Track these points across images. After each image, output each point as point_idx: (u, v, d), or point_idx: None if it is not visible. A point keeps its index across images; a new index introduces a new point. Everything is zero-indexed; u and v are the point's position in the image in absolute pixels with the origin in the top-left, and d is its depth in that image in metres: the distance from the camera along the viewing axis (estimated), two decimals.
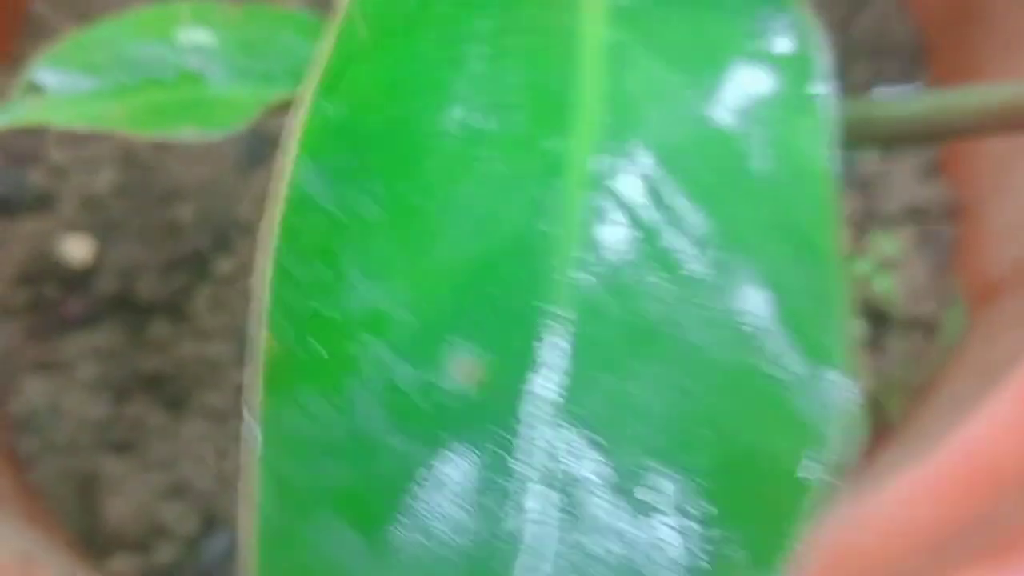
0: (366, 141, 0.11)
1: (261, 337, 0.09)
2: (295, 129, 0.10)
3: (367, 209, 0.10)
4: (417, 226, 0.11)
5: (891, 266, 0.26)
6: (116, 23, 0.20)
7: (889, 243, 0.26)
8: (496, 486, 0.10)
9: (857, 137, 0.17)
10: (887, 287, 0.25)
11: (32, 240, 0.24)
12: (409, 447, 0.09)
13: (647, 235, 0.12)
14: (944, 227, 0.27)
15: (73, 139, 0.25)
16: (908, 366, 0.25)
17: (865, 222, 0.27)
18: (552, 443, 0.10)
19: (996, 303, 0.24)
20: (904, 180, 0.27)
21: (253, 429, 0.09)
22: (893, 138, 0.18)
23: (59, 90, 0.19)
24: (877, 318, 0.26)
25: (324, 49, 0.11)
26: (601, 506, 0.10)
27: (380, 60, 0.12)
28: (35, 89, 0.19)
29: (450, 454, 0.10)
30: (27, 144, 0.25)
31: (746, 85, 0.14)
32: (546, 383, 0.10)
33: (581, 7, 0.15)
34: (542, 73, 0.13)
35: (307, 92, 0.10)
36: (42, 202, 0.25)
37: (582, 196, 0.12)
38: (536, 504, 0.10)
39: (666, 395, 0.11)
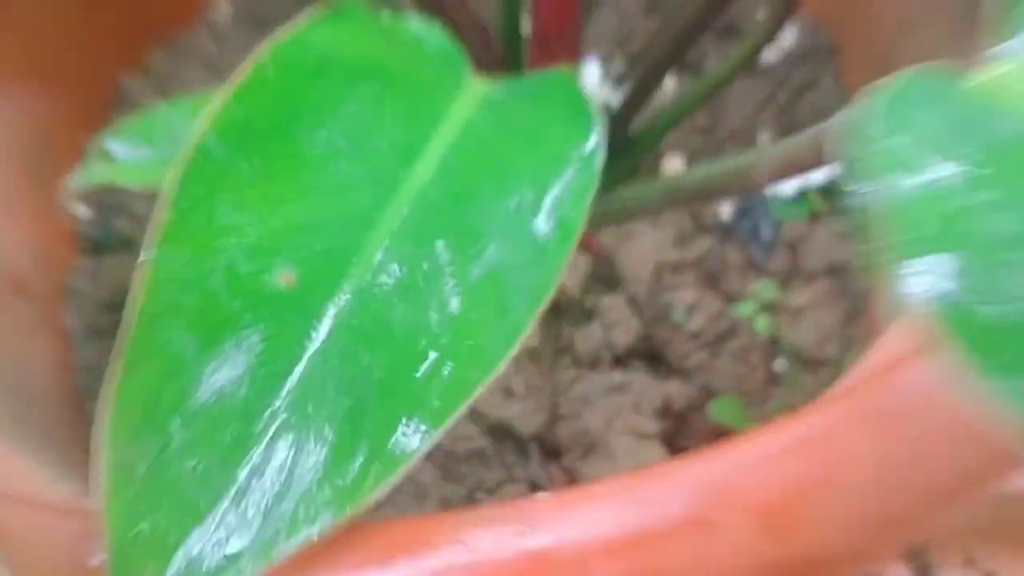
0: (257, 133, 0.17)
1: (161, 210, 0.15)
2: (206, 116, 0.17)
3: (246, 170, 0.17)
4: (279, 189, 0.17)
5: (787, 311, 0.30)
6: (170, 106, 0.27)
7: (768, 289, 0.31)
8: (283, 349, 0.16)
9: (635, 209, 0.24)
10: (764, 326, 0.30)
11: (117, 275, 0.32)
12: (238, 308, 0.15)
13: (439, 242, 0.18)
14: (859, 281, 0.31)
15: (151, 195, 0.33)
16: (809, 397, 0.30)
17: (788, 274, 0.32)
18: (325, 340, 0.16)
19: (876, 336, 0.29)
20: (827, 241, 0.32)
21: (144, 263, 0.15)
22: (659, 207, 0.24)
23: (124, 157, 0.26)
24: (789, 357, 0.30)
25: (241, 75, 0.18)
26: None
27: (279, 90, 0.18)
28: (107, 155, 0.26)
29: (267, 317, 0.16)
30: (114, 198, 0.33)
31: (556, 166, 0.20)
32: (336, 303, 0.16)
33: (458, 94, 0.22)
34: (405, 127, 0.20)
35: (222, 95, 0.17)
36: (125, 244, 0.33)
37: (406, 208, 0.18)
38: (302, 367, 0.16)
39: (409, 322, 0.16)
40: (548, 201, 0.19)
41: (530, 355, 0.30)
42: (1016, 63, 0.14)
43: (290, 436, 0.15)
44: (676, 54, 0.29)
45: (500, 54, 0.32)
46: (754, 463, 0.16)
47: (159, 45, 0.40)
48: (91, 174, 0.26)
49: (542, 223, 0.19)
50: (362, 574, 0.15)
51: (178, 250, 0.15)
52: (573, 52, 0.31)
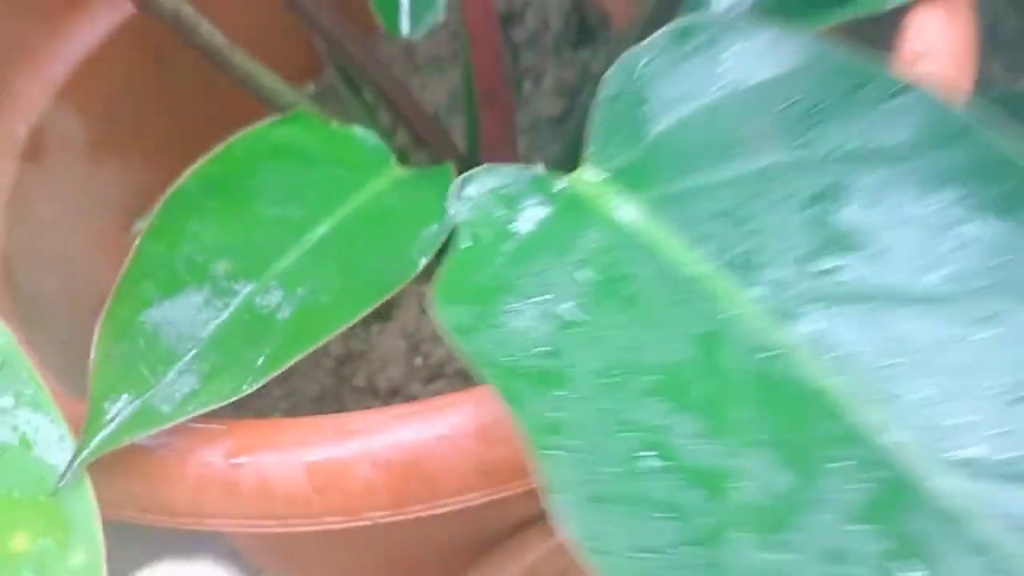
0: (222, 184, 0.30)
1: (149, 220, 0.27)
2: (189, 171, 0.29)
3: (209, 204, 0.29)
4: (230, 219, 0.29)
5: None
6: None
7: None
8: (213, 304, 0.27)
9: None
10: None
11: None
12: (189, 279, 0.27)
13: (334, 257, 0.30)
14: None
15: None
16: None
17: None
18: (240, 304, 0.28)
19: None
20: None
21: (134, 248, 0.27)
22: None
23: None
24: None
25: (216, 150, 0.30)
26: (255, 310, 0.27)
27: (241, 161, 0.31)
28: None
29: (206, 287, 0.27)
30: None
31: (427, 221, 0.31)
32: (253, 284, 0.28)
33: (378, 176, 0.33)
34: (331, 192, 0.32)
35: (202, 160, 0.29)
36: None
37: (318, 237, 0.30)
38: (223, 317, 0.27)
39: (295, 297, 0.28)
40: (418, 240, 0.30)
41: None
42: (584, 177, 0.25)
43: (202, 356, 0.26)
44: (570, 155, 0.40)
45: (464, 152, 0.44)
46: (479, 401, 0.27)
47: None
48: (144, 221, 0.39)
49: (411, 251, 0.30)
50: (213, 464, 0.26)
51: (156, 243, 0.27)
52: (511, 151, 0.43)
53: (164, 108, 0.52)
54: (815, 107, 0.22)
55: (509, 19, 0.52)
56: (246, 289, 0.28)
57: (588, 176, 0.25)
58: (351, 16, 0.47)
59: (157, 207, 0.28)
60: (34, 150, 0.46)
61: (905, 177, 0.20)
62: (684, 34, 0.24)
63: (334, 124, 0.34)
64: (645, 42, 0.25)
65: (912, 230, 0.20)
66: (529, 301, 0.22)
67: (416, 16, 0.44)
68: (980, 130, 0.20)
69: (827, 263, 0.21)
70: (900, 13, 0.33)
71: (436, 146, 0.42)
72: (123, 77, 0.50)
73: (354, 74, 0.40)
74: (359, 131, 0.34)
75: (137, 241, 0.27)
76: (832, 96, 0.22)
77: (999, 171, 0.19)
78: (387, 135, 0.43)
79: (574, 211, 0.24)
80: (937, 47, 0.32)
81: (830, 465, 0.19)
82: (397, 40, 0.52)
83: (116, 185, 0.50)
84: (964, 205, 0.20)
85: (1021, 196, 0.19)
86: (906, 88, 0.21)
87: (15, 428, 0.26)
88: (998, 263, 0.19)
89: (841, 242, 0.21)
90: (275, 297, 0.28)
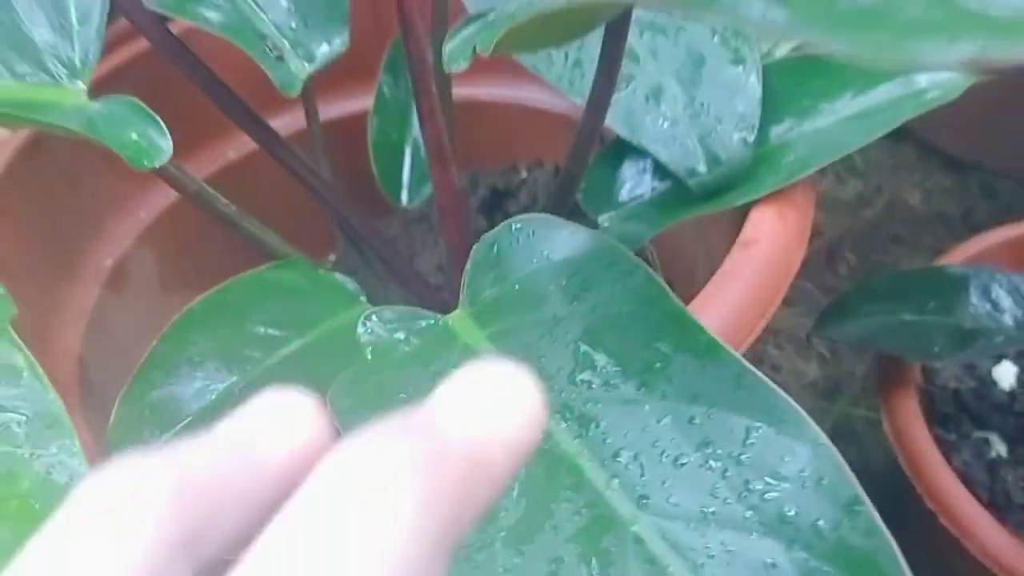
0: (222, 307, 0.42)
1: (163, 331, 0.40)
2: (199, 298, 0.41)
3: (210, 320, 0.41)
4: (221, 334, 0.41)
5: None
6: None
7: None
8: (205, 388, 0.39)
9: None
10: None
11: None
12: (188, 371, 0.39)
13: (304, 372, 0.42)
14: None
15: None
16: None
17: None
18: (225, 395, 0.39)
19: None
20: None
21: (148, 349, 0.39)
22: None
23: None
24: None
25: (221, 285, 0.43)
26: None
27: (239, 293, 0.43)
28: None
29: (198, 378, 0.39)
30: None
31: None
32: (236, 377, 0.40)
33: (347, 311, 0.45)
34: (309, 318, 0.44)
35: (210, 291, 0.42)
36: None
37: (295, 346, 0.42)
38: (213, 396, 0.39)
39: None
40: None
41: None
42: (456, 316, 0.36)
43: (189, 425, 0.38)
44: None
45: (448, 300, 0.55)
46: None
47: None
48: None
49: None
50: None
51: (166, 345, 0.40)
52: None
53: (225, 253, 0.65)
54: (587, 278, 0.33)
55: (507, 194, 0.65)
56: (228, 382, 0.40)
57: (458, 315, 0.36)
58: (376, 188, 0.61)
59: (171, 322, 0.40)
60: (116, 280, 0.60)
61: (620, 323, 0.31)
62: (519, 227, 0.36)
63: (321, 270, 0.46)
64: (496, 228, 0.36)
65: (628, 360, 0.31)
66: (396, 395, 0.33)
67: (412, 192, 0.57)
68: (665, 296, 0.31)
69: (583, 377, 0.31)
70: (748, 207, 0.44)
71: (421, 294, 0.54)
72: (195, 227, 0.63)
73: (357, 241, 0.52)
74: (339, 276, 0.46)
75: (152, 344, 0.40)
76: (597, 271, 0.33)
77: (676, 323, 0.30)
78: (384, 285, 0.56)
79: (442, 338, 0.36)
80: (767, 235, 0.42)
81: (564, 503, 0.29)
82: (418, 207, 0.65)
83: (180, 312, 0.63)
84: (662, 344, 0.30)
85: (691, 342, 0.30)
86: (635, 268, 0.32)
87: (54, 467, 0.38)
88: (675, 380, 0.30)
89: (592, 365, 0.31)
90: (249, 390, 0.39)
